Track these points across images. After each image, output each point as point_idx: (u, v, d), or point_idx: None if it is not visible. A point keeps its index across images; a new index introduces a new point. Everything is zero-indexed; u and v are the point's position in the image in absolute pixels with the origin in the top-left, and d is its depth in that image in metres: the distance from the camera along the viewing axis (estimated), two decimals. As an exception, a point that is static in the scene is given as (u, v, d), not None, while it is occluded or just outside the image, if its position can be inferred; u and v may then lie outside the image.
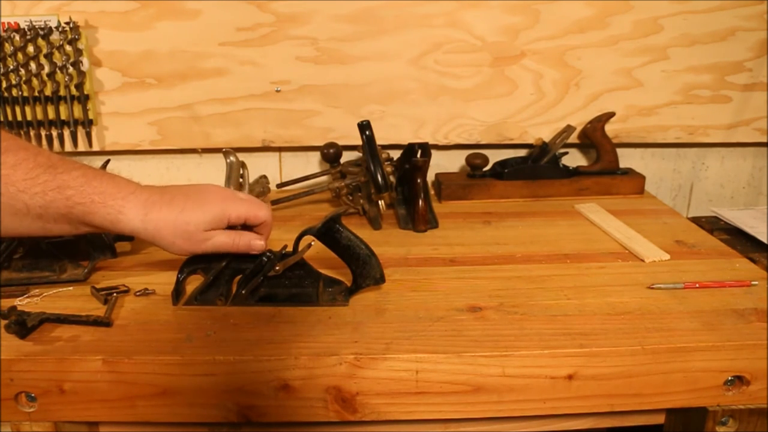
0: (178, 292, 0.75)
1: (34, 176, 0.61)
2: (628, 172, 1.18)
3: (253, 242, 0.73)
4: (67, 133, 1.12)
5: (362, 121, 0.97)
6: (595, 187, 1.15)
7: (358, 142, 0.99)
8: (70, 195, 0.62)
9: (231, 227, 0.72)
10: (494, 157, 1.17)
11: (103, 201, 0.63)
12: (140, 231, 0.66)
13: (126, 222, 0.65)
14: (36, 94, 1.08)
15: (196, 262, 0.76)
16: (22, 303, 0.74)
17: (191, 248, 0.70)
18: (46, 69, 1.07)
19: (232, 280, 0.76)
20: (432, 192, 1.15)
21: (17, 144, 0.61)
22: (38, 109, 1.10)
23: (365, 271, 0.74)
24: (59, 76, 1.08)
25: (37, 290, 0.78)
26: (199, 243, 0.69)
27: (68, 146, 1.13)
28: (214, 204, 0.70)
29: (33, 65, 1.07)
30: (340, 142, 1.11)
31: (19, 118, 1.10)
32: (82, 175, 0.63)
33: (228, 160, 1.00)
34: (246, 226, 0.74)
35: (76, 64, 1.07)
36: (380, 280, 0.75)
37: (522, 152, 1.22)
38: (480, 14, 1.11)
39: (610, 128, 1.17)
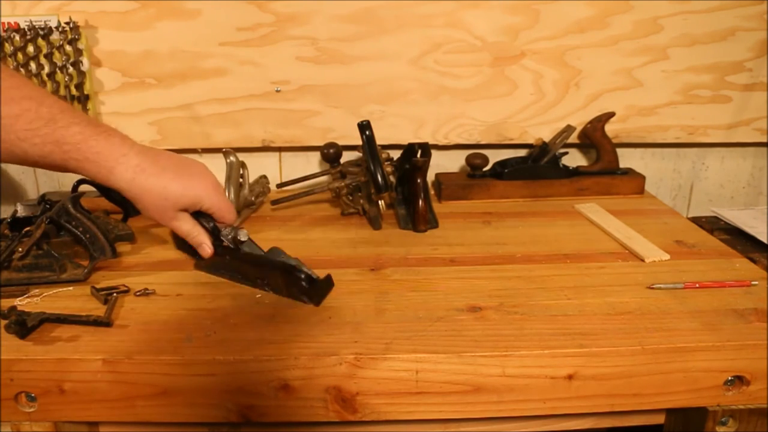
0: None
1: (35, 128, 0.64)
2: (628, 172, 1.18)
3: (204, 246, 0.78)
4: (67, 133, 1.12)
5: (362, 121, 0.97)
6: (595, 187, 1.15)
7: (358, 142, 0.99)
8: (67, 150, 0.66)
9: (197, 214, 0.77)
10: (494, 157, 1.17)
11: (96, 161, 0.67)
12: (124, 191, 0.70)
13: (114, 181, 0.69)
14: (36, 94, 1.08)
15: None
16: (22, 303, 0.74)
17: (159, 219, 0.74)
18: (46, 69, 1.07)
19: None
20: (432, 192, 1.15)
21: (22, 93, 0.64)
22: (38, 109, 1.09)
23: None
24: (59, 76, 1.08)
25: (37, 290, 0.78)
26: (167, 219, 0.74)
27: (68, 146, 1.13)
28: (197, 188, 0.74)
29: (33, 65, 1.07)
30: (340, 142, 1.11)
31: (19, 118, 1.09)
32: (80, 132, 0.66)
33: (228, 160, 1.00)
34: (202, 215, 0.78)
35: (76, 64, 1.07)
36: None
37: (522, 152, 1.22)
38: (480, 14, 1.11)
39: (610, 128, 1.17)
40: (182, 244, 0.82)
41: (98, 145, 0.67)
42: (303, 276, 0.72)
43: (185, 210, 0.75)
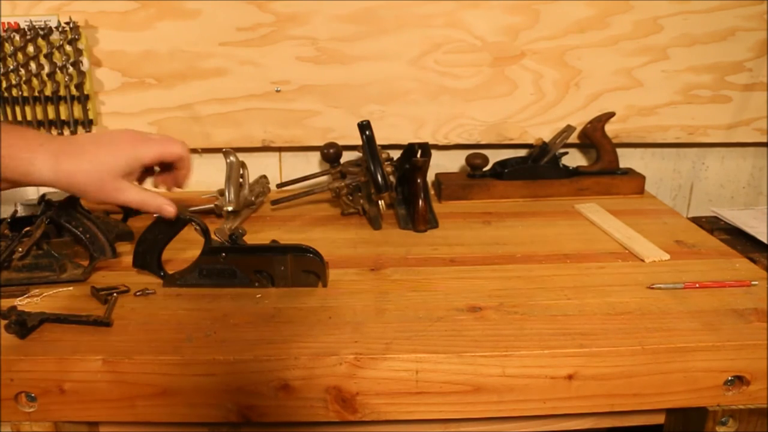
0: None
1: None
2: (628, 172, 1.18)
3: (164, 207, 0.73)
4: (67, 133, 1.12)
5: (362, 121, 0.97)
6: (595, 187, 1.15)
7: (358, 142, 0.99)
8: None
9: (149, 172, 0.73)
10: (494, 157, 1.17)
11: (11, 155, 0.63)
12: (53, 181, 0.66)
13: (38, 174, 0.65)
14: (36, 94, 1.09)
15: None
16: (22, 303, 0.74)
17: (105, 197, 0.69)
18: (46, 69, 1.07)
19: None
20: (432, 192, 1.15)
21: None
22: (38, 109, 1.10)
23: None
24: (59, 76, 1.08)
25: (37, 290, 0.78)
26: (111, 192, 0.69)
27: (68, 146, 1.13)
28: (125, 148, 0.69)
29: (33, 65, 1.07)
30: (340, 142, 1.11)
31: (19, 118, 1.10)
32: None
33: (228, 160, 1.00)
34: (167, 169, 0.74)
35: (76, 64, 1.07)
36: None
37: (522, 152, 1.22)
38: (480, 14, 1.11)
39: (610, 128, 1.17)
40: (144, 261, 0.79)
41: (10, 138, 0.64)
42: (313, 253, 0.77)
43: (126, 177, 0.69)
